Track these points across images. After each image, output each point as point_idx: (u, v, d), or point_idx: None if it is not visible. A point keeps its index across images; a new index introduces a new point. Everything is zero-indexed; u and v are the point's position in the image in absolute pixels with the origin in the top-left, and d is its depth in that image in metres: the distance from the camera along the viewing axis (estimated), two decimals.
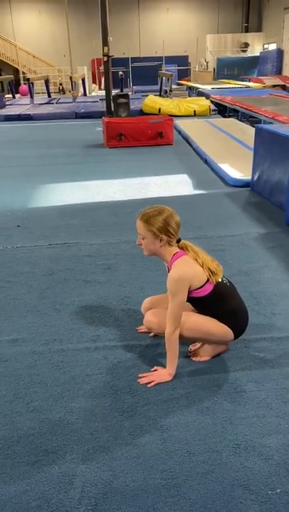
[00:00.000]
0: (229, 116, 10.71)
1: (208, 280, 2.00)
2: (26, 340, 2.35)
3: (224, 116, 10.82)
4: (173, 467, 1.60)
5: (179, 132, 8.50)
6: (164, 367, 2.06)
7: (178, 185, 5.26)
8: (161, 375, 2.03)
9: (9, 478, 1.58)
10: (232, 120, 9.76)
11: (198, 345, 2.21)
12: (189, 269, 1.97)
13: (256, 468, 1.59)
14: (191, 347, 2.21)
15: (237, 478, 1.56)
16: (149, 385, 1.98)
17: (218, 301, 2.05)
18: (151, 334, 2.34)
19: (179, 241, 2.05)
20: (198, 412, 1.85)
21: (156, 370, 2.07)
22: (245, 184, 4.97)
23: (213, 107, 11.09)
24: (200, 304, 2.06)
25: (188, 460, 1.63)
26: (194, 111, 10.66)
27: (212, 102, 11.45)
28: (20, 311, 2.63)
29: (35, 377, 2.07)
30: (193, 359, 2.15)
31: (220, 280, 2.05)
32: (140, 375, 2.05)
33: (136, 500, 1.48)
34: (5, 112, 12.02)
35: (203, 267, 1.99)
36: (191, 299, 2.04)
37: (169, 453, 1.66)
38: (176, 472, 1.59)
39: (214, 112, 10.98)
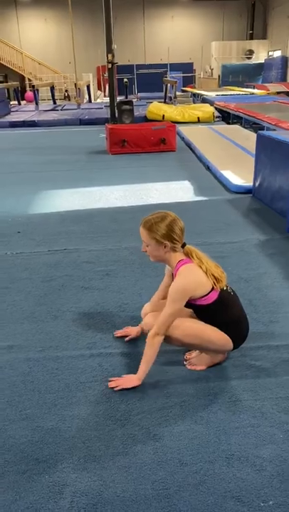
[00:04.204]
0: (233, 123, 10.72)
1: (212, 288, 1.98)
2: (22, 347, 2.34)
3: (228, 123, 10.84)
4: (164, 477, 1.58)
5: (182, 139, 8.51)
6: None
7: (179, 191, 5.25)
8: (129, 380, 2.00)
9: None
10: (236, 127, 9.76)
11: (193, 353, 2.19)
12: (193, 278, 1.95)
13: (249, 479, 1.57)
14: (187, 355, 2.19)
15: (229, 489, 1.53)
16: (115, 389, 1.98)
17: (222, 310, 2.03)
18: (127, 339, 2.34)
19: (184, 245, 2.03)
20: (192, 421, 1.83)
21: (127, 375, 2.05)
22: (246, 191, 4.96)
23: (217, 113, 11.10)
24: (203, 311, 2.03)
25: (180, 470, 1.61)
26: (198, 117, 10.68)
27: (216, 108, 11.47)
28: (17, 318, 2.63)
29: (29, 384, 2.06)
30: (189, 367, 2.13)
31: (224, 288, 2.04)
32: (110, 379, 2.04)
33: (126, 511, 1.46)
34: (10, 118, 12.11)
35: (207, 273, 1.97)
36: (195, 307, 2.02)
37: (160, 463, 1.64)
38: (167, 483, 1.56)
39: (218, 119, 10.99)
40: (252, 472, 1.59)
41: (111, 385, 2.01)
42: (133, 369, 2.12)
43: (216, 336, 2.03)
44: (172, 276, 2.04)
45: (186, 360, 2.17)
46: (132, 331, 2.37)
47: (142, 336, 2.31)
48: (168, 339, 2.03)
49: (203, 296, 1.98)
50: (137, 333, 2.35)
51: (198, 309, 2.04)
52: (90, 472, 1.61)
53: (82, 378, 2.08)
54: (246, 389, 2.00)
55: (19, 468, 1.63)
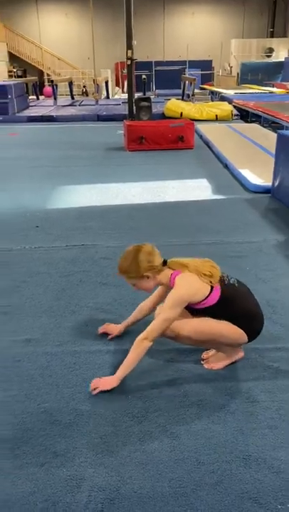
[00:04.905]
0: (251, 122, 10.62)
1: (212, 288, 1.97)
2: (40, 340, 2.36)
3: (246, 122, 10.74)
4: (181, 476, 1.59)
5: (200, 136, 8.47)
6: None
7: (197, 189, 5.23)
8: (107, 381, 1.96)
9: (17, 478, 1.58)
10: (254, 125, 9.67)
11: (210, 352, 2.19)
12: (189, 286, 1.95)
13: (266, 481, 1.56)
14: (204, 354, 2.19)
15: (246, 490, 1.53)
16: (93, 392, 1.94)
17: (229, 305, 2.01)
18: (110, 337, 2.34)
19: (165, 262, 2.03)
20: (209, 420, 1.83)
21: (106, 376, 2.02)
22: (265, 190, 4.92)
23: (235, 111, 11.02)
24: (211, 312, 2.02)
25: (197, 469, 1.61)
26: (216, 115, 10.60)
27: (234, 106, 11.37)
28: (35, 312, 2.65)
29: (47, 378, 2.08)
30: (206, 367, 2.13)
31: (226, 283, 2.02)
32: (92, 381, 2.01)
33: (143, 508, 1.47)
34: (28, 112, 12.16)
35: (200, 273, 1.96)
36: (200, 310, 2.01)
37: (177, 461, 1.65)
38: (184, 481, 1.57)
39: (236, 117, 10.90)
40: (269, 474, 1.59)
41: (91, 386, 1.97)
42: (150, 366, 2.13)
43: (227, 329, 2.01)
44: (168, 288, 2.03)
45: (203, 360, 2.17)
46: (114, 329, 2.36)
47: None
48: (178, 338, 2.03)
49: (204, 299, 1.97)
50: (119, 331, 2.34)
51: (205, 311, 2.02)
52: (108, 467, 1.62)
53: (99, 374, 2.09)
54: (264, 390, 1.99)
55: (37, 461, 1.65)
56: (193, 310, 2.03)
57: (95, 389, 1.95)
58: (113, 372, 2.07)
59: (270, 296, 2.76)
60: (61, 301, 2.77)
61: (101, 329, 2.40)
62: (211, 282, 1.97)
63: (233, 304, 2.02)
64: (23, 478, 1.58)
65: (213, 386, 2.02)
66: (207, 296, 1.97)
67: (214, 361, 2.14)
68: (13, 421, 1.83)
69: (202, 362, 2.16)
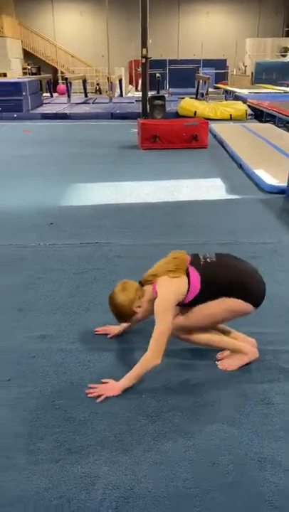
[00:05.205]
0: (266, 122, 10.55)
1: (189, 278, 1.95)
2: (54, 337, 2.37)
3: (261, 121, 10.67)
4: (196, 476, 1.58)
5: (214, 136, 8.43)
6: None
7: (211, 189, 5.21)
8: (111, 388, 1.94)
9: (32, 474, 1.59)
10: (269, 125, 9.61)
11: (225, 353, 2.18)
12: (169, 288, 1.94)
13: (282, 484, 1.55)
14: (219, 355, 2.18)
15: (262, 493, 1.52)
16: (98, 400, 1.90)
17: (213, 283, 1.98)
18: (110, 336, 2.34)
19: (141, 283, 2.07)
20: (224, 421, 1.82)
21: (106, 382, 1.99)
22: (280, 191, 4.87)
23: (249, 111, 10.95)
24: (201, 299, 2.00)
25: (211, 470, 1.60)
26: (230, 115, 10.55)
27: (249, 106, 11.31)
28: (50, 308, 2.66)
29: (61, 375, 2.09)
30: (220, 368, 2.12)
31: (202, 263, 2.00)
32: (89, 386, 1.98)
33: (157, 507, 1.47)
34: (42, 110, 12.22)
35: (170, 274, 1.96)
36: (192, 303, 2.00)
37: (192, 461, 1.64)
38: (198, 482, 1.56)
39: (251, 117, 10.84)
40: (285, 477, 1.58)
41: (92, 394, 1.93)
42: (165, 366, 2.11)
43: (227, 304, 1.98)
44: None
45: (218, 360, 2.16)
46: (113, 330, 2.36)
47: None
48: (191, 340, 2.05)
49: (188, 291, 1.96)
50: (118, 332, 2.35)
51: (196, 301, 2.00)
52: (122, 466, 1.62)
53: (114, 372, 2.09)
54: (279, 392, 1.98)
55: (52, 457, 1.65)
56: (185, 305, 2.02)
57: (99, 396, 1.92)
58: (128, 371, 2.05)
59: (285, 298, 2.74)
60: (75, 298, 2.77)
61: (100, 330, 2.39)
62: (181, 271, 1.96)
63: (216, 280, 1.99)
64: (38, 474, 1.58)
65: (228, 387, 2.01)
66: (189, 287, 1.96)
67: (229, 362, 2.13)
68: (28, 417, 1.84)
69: (217, 362, 2.15)
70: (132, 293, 2.02)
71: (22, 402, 1.91)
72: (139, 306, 2.03)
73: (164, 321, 1.91)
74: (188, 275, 1.97)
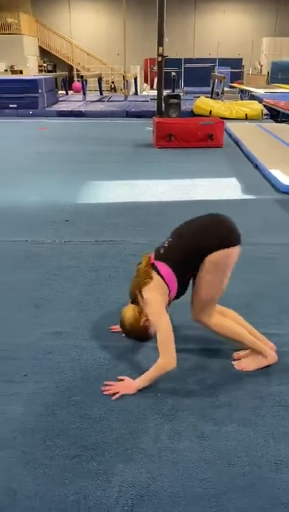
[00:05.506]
0: (282, 122, 10.46)
1: (159, 272, 1.95)
2: (70, 334, 2.38)
3: (277, 121, 10.58)
4: (212, 477, 1.57)
5: (230, 135, 8.39)
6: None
7: (226, 188, 5.18)
8: (127, 386, 1.95)
9: (48, 469, 1.60)
10: (285, 125, 9.52)
11: (241, 353, 2.17)
12: (151, 293, 1.94)
13: None
14: (235, 355, 2.17)
15: (278, 495, 1.51)
16: (113, 398, 1.90)
17: (184, 258, 1.97)
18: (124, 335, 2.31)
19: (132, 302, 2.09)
20: (240, 422, 1.81)
21: (122, 379, 2.00)
22: None
23: (265, 111, 10.87)
24: (187, 276, 2.02)
25: (227, 471, 1.60)
26: (246, 114, 10.49)
27: (265, 106, 11.22)
28: (65, 305, 2.67)
29: (77, 371, 2.09)
30: (237, 368, 2.11)
31: (162, 252, 2.00)
32: (105, 383, 1.98)
33: (173, 506, 1.47)
34: (58, 107, 12.27)
35: (140, 283, 1.97)
36: (181, 289, 2.02)
37: (208, 462, 1.63)
38: (215, 482, 1.55)
39: (266, 117, 10.76)
40: None
41: (108, 391, 1.94)
42: (180, 364, 2.11)
43: (212, 262, 1.92)
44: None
45: (234, 360, 2.15)
46: None
47: (192, 331, 2.31)
48: (208, 325, 2.07)
49: (168, 286, 1.95)
50: None
51: (182, 286, 2.01)
52: (137, 464, 1.62)
53: (129, 370, 2.09)
54: None
55: (68, 453, 1.66)
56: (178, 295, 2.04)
57: (114, 393, 1.93)
58: (144, 368, 2.04)
59: None
60: (90, 295, 2.78)
61: (115, 328, 2.38)
62: (150, 274, 1.95)
63: (182, 254, 1.97)
64: (54, 470, 1.59)
65: (244, 388, 2.00)
66: (166, 282, 1.95)
67: (246, 362, 2.11)
68: (44, 412, 1.85)
69: (233, 362, 2.13)
70: (133, 312, 2.05)
71: (38, 398, 1.92)
72: (147, 319, 2.00)
73: (161, 325, 1.91)
74: (158, 270, 1.95)
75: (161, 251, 2.02)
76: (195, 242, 1.97)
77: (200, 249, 1.94)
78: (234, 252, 1.97)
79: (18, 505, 1.46)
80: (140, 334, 2.08)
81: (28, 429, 1.76)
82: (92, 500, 1.48)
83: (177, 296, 2.05)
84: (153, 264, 1.98)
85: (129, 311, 2.09)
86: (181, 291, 2.04)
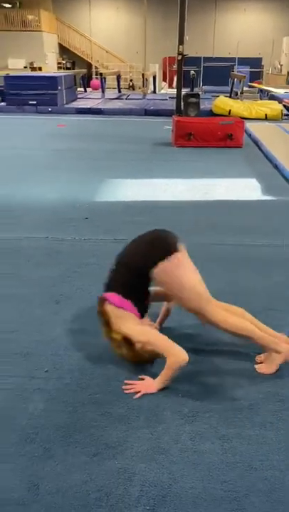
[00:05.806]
0: None
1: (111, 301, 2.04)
2: (91, 331, 2.38)
3: None
4: (234, 480, 1.57)
5: (249, 135, 8.33)
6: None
7: (245, 189, 5.15)
8: (148, 385, 1.96)
9: (70, 466, 1.60)
10: None
11: (263, 356, 2.15)
12: (116, 318, 2.04)
13: None
14: (257, 358, 2.15)
15: None
16: (135, 396, 1.92)
17: (130, 284, 2.06)
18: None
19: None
20: (261, 426, 1.80)
21: (143, 378, 2.01)
22: None
23: (285, 111, 10.77)
24: (142, 294, 2.09)
25: (249, 475, 1.59)
26: (266, 114, 10.41)
27: (284, 106, 11.12)
28: (85, 302, 2.67)
29: (98, 369, 2.10)
30: (259, 371, 2.09)
31: (109, 280, 2.11)
32: (126, 382, 2.00)
33: (195, 508, 1.46)
34: (77, 104, 12.32)
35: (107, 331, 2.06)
36: (142, 301, 2.09)
37: (229, 464, 1.63)
38: (236, 485, 1.55)
39: (286, 117, 10.66)
40: None
41: (129, 390, 1.95)
42: (200, 366, 2.11)
43: (167, 272, 2.00)
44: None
45: (256, 363, 2.13)
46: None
47: (211, 334, 2.30)
48: (218, 324, 2.07)
49: (127, 311, 2.03)
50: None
51: (141, 299, 2.09)
52: (159, 464, 1.62)
53: (151, 369, 2.09)
54: None
55: (90, 451, 1.67)
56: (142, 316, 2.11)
57: (136, 393, 1.94)
58: (160, 369, 2.05)
59: None
60: None
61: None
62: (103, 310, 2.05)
63: (125, 282, 2.07)
64: (76, 467, 1.60)
65: (265, 391, 1.98)
66: (123, 307, 2.03)
67: (266, 366, 2.09)
68: (65, 409, 1.86)
69: (255, 366, 2.12)
70: (125, 350, 2.04)
71: (60, 395, 1.93)
72: (139, 345, 2.02)
73: (147, 337, 1.97)
74: (109, 302, 2.04)
75: (108, 282, 2.12)
76: (134, 264, 2.07)
77: (141, 269, 2.03)
78: (174, 259, 2.02)
79: (42, 500, 1.48)
80: (147, 358, 2.07)
81: (49, 425, 1.78)
82: (113, 498, 1.49)
83: (145, 310, 2.14)
84: (104, 298, 2.07)
85: (122, 351, 2.07)
86: (143, 307, 2.12)
